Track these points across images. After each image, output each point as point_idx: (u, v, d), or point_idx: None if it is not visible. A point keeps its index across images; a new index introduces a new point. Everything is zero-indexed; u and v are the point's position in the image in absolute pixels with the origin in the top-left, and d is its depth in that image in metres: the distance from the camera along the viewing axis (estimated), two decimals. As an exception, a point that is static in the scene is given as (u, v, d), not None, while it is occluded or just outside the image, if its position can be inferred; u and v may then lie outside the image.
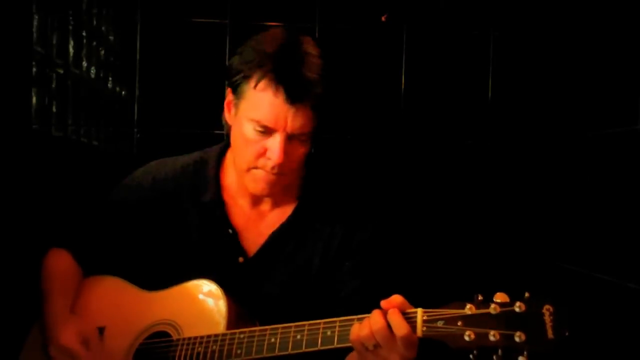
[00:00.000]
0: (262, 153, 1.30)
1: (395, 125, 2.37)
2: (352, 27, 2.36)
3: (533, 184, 2.25)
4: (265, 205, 1.44)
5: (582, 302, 1.84)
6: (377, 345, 1.09)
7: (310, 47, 1.29)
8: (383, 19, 2.36)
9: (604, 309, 1.76)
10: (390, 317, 1.07)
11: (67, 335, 1.28)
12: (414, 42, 2.36)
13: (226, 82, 1.36)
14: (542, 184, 2.19)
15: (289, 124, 1.26)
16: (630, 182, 1.66)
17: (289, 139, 1.28)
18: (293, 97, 1.24)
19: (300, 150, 1.32)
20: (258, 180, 1.33)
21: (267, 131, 1.28)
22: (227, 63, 1.36)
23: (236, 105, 1.33)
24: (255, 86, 1.27)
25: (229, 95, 1.36)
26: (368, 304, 1.14)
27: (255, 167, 1.32)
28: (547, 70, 2.19)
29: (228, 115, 1.38)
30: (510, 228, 2.34)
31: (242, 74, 1.29)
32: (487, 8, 2.37)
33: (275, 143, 1.27)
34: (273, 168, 1.30)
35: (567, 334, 0.96)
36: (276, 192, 1.38)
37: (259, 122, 1.27)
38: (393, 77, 2.36)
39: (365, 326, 1.09)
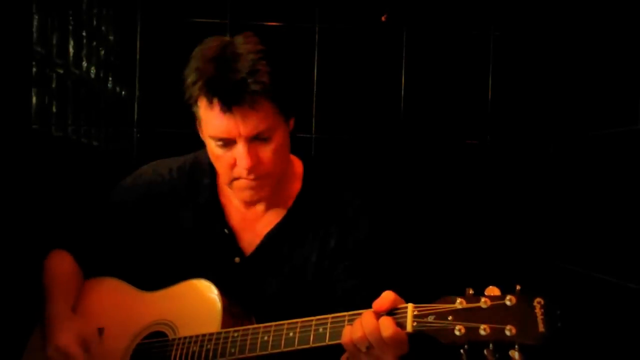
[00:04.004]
0: (234, 163, 1.31)
1: (395, 125, 2.37)
2: (352, 27, 2.36)
3: (533, 183, 2.25)
4: (261, 205, 1.44)
5: (582, 302, 1.84)
6: (370, 347, 1.09)
7: (241, 46, 1.27)
8: (383, 19, 2.36)
9: (604, 309, 1.76)
10: (381, 320, 1.08)
11: (66, 336, 1.28)
12: (414, 42, 2.36)
13: None
14: (543, 184, 2.19)
15: (242, 129, 1.26)
16: (630, 182, 1.66)
17: (251, 141, 1.28)
18: (228, 103, 1.24)
19: (269, 147, 1.31)
20: (243, 190, 1.34)
21: (227, 143, 1.29)
22: None
23: (199, 125, 1.36)
24: (198, 105, 1.29)
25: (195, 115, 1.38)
26: (365, 304, 1.13)
27: (235, 179, 1.33)
28: (547, 70, 2.19)
29: (200, 134, 1.39)
30: (510, 228, 2.34)
31: (187, 95, 1.31)
32: (487, 8, 2.36)
33: (239, 151, 1.28)
34: (249, 174, 1.30)
35: (559, 325, 0.95)
36: (268, 195, 1.38)
37: (215, 137, 1.29)
38: (393, 77, 2.36)
39: (358, 329, 1.09)
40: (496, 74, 2.38)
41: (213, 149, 1.32)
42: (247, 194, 1.35)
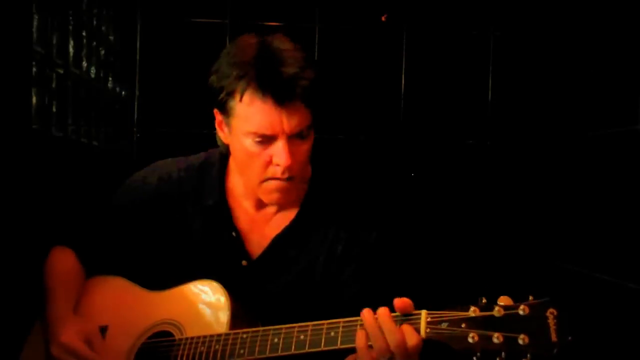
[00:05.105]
0: (269, 162, 1.28)
1: (394, 126, 2.37)
2: (352, 27, 2.36)
3: (533, 184, 2.25)
4: (270, 209, 1.43)
5: (582, 302, 1.84)
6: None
7: (283, 44, 1.28)
8: (383, 19, 2.36)
9: (604, 309, 1.76)
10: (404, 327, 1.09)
11: (69, 333, 1.28)
12: (414, 42, 2.36)
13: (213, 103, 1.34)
14: (543, 184, 2.19)
15: (286, 125, 1.25)
16: (630, 182, 1.66)
17: (290, 139, 1.27)
18: (281, 98, 1.23)
19: (304, 147, 1.31)
20: (272, 191, 1.32)
21: (266, 140, 1.26)
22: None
23: (228, 124, 1.32)
24: (241, 99, 1.25)
25: (218, 116, 1.34)
26: (372, 307, 1.13)
27: (267, 179, 1.31)
28: (547, 70, 2.19)
29: (223, 135, 1.36)
30: (510, 228, 2.34)
31: (224, 91, 1.27)
32: (487, 8, 2.37)
33: (279, 148, 1.26)
34: (284, 173, 1.28)
35: (570, 338, 0.97)
36: (292, 198, 1.37)
37: (256, 134, 1.26)
38: (393, 77, 2.37)
39: (378, 336, 1.09)
40: (496, 74, 2.38)
41: (248, 147, 1.28)
42: (275, 196, 1.33)
